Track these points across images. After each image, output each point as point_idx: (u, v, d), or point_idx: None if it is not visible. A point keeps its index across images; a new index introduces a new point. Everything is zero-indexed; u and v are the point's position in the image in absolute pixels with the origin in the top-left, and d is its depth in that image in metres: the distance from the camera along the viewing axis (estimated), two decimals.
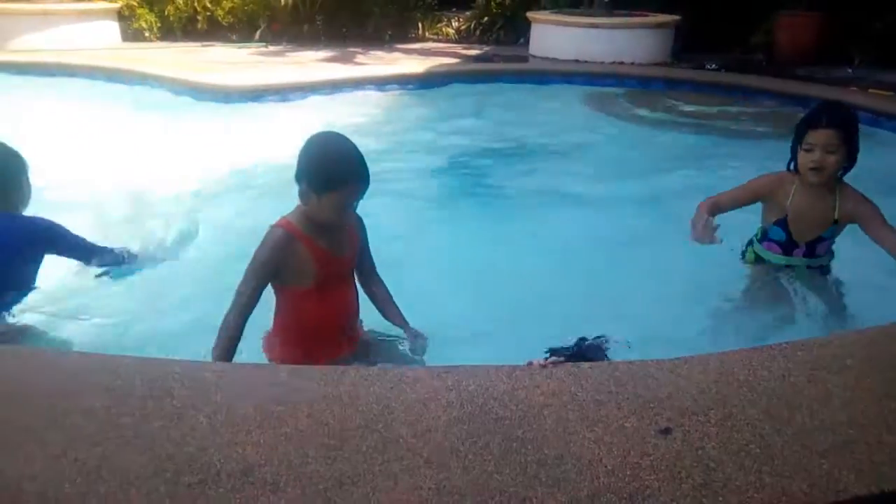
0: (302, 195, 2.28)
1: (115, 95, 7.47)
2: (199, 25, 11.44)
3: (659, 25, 9.55)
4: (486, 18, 11.97)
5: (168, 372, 1.98)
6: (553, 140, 5.82)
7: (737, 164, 4.47)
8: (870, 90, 7.30)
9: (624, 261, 3.52)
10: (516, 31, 11.43)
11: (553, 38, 9.73)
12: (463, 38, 12.04)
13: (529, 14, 10.24)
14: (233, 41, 11.18)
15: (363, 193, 2.29)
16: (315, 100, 7.28)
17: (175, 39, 11.32)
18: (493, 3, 11.82)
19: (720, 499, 1.51)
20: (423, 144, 5.49)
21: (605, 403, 1.86)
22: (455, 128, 5.98)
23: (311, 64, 9.01)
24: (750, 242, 3.17)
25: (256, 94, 7.15)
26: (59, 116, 6.44)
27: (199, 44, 10.96)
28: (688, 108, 6.81)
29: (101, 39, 10.27)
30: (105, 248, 2.97)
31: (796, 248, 2.98)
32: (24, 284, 2.79)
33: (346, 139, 2.28)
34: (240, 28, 11.40)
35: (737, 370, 2.01)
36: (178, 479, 1.54)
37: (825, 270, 3.05)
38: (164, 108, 6.83)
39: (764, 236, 3.06)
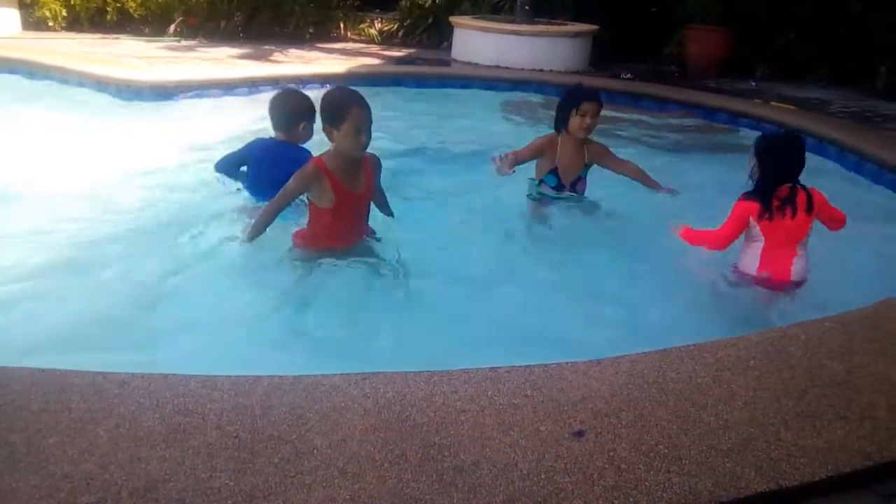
0: (326, 133, 2.95)
1: (12, 88, 7.01)
2: (109, 17, 10.92)
3: (577, 34, 9.77)
4: (409, 21, 11.96)
5: (66, 383, 1.87)
6: (471, 144, 5.84)
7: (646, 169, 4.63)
8: (772, 103, 7.69)
9: (529, 258, 3.69)
10: (440, 34, 11.46)
11: (475, 43, 9.80)
12: (385, 39, 11.97)
13: (452, 19, 10.28)
14: (145, 35, 10.74)
15: (369, 118, 2.91)
16: (231, 99, 7.06)
17: (81, 30, 10.76)
18: (415, 5, 11.82)
19: (631, 500, 1.55)
20: None
21: (521, 407, 1.88)
22: (375, 129, 5.91)
23: (228, 61, 8.75)
24: (532, 188, 4.19)
25: (169, 92, 6.88)
26: None
27: (107, 36, 10.47)
28: (602, 115, 6.99)
29: None
30: None
31: (563, 189, 4.08)
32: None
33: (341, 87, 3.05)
34: (152, 21, 10.95)
35: (647, 372, 2.07)
36: (73, 500, 1.46)
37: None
38: (69, 104, 6.46)
39: (541, 183, 4.11)
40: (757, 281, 3.22)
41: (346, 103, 2.88)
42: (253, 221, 3.18)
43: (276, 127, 3.66)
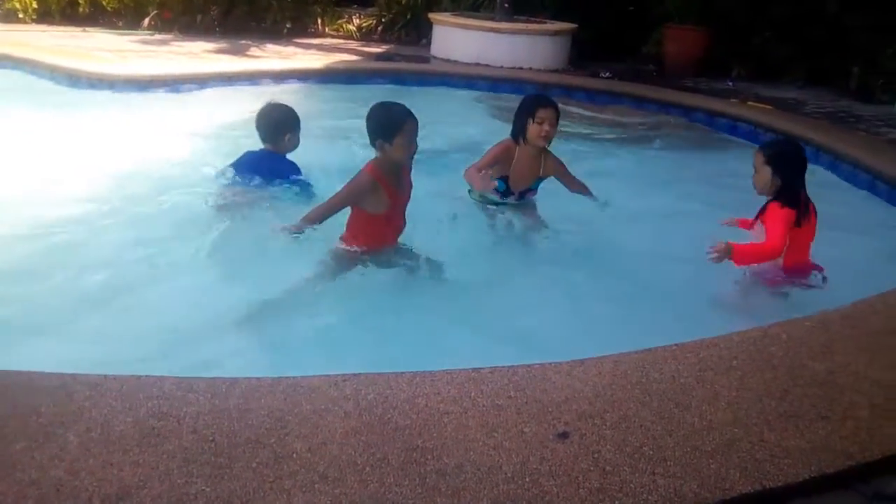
0: (378, 148, 3.03)
1: None
2: (81, 9, 10.72)
3: (557, 33, 9.78)
4: (387, 17, 11.88)
5: (35, 386, 1.81)
6: (449, 142, 5.80)
7: (620, 169, 4.62)
8: (749, 103, 7.75)
9: (508, 259, 3.70)
10: (419, 31, 11.40)
11: (455, 40, 9.77)
12: (364, 35, 11.89)
13: (431, 15, 10.23)
14: (118, 28, 10.55)
15: (418, 125, 3.01)
16: (208, 93, 6.95)
17: (53, 23, 10.54)
18: (395, 1, 11.74)
19: (616, 502, 1.53)
20: (319, 143, 5.33)
21: (505, 408, 1.85)
22: (353, 126, 5.83)
23: (203, 55, 8.63)
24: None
25: (144, 85, 6.75)
26: None
27: (79, 29, 10.26)
28: (582, 114, 7.01)
29: None
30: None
31: (511, 195, 3.98)
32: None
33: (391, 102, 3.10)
34: (126, 14, 10.76)
35: (630, 372, 2.06)
36: None
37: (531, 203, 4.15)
38: (41, 98, 6.31)
39: None
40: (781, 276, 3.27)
41: (399, 118, 3.00)
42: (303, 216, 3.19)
43: (263, 139, 3.80)
